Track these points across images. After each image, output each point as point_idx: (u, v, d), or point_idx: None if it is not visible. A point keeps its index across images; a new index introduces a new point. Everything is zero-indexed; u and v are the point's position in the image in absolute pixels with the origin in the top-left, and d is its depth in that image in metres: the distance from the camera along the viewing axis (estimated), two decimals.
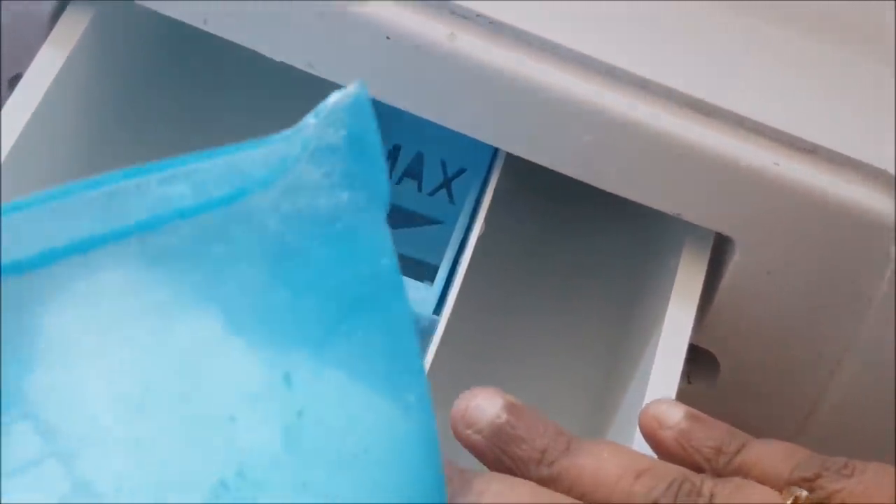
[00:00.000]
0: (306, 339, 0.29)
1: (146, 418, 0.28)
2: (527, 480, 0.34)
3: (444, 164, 0.50)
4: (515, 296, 0.51)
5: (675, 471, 0.34)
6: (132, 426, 0.27)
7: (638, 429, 0.37)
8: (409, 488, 0.30)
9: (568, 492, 0.33)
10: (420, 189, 0.50)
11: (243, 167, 0.30)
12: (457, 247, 0.45)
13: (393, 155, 0.50)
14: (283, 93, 0.45)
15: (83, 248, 0.28)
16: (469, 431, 0.35)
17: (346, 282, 0.30)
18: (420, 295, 0.43)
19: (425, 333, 0.43)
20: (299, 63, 0.42)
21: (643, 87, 0.41)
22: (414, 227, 0.49)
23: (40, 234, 0.28)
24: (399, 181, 0.50)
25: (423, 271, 0.46)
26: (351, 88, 0.30)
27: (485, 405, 0.35)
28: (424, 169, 0.50)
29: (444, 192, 0.50)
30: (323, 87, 0.33)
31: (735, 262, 0.43)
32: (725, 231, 0.43)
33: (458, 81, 0.41)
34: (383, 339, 0.30)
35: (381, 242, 0.31)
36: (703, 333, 0.45)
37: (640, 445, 0.37)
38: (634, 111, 0.40)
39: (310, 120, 0.30)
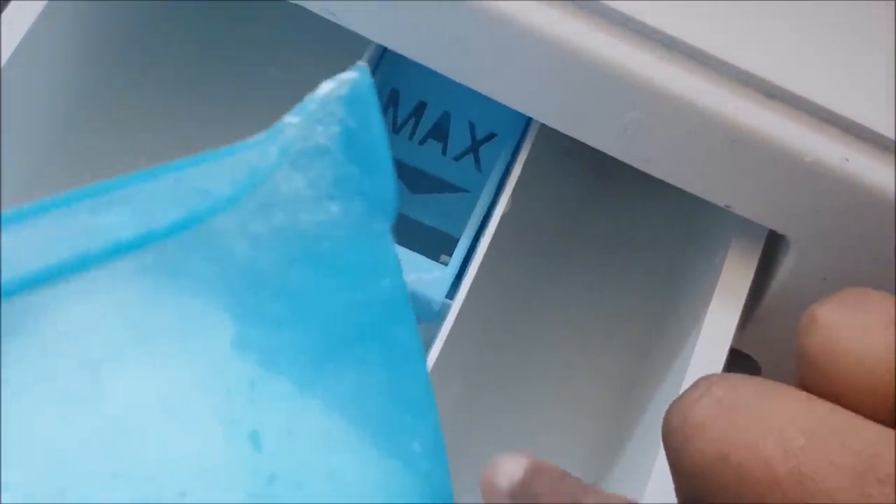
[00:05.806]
0: (282, 386, 0.24)
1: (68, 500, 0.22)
2: None
3: (472, 127, 0.45)
4: (540, 281, 0.47)
5: None
6: None
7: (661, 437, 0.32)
8: None
9: None
10: (445, 152, 0.45)
11: (200, 184, 0.24)
12: (479, 221, 0.41)
13: (417, 112, 0.46)
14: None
15: None
16: None
17: (337, 311, 0.25)
18: (433, 276, 0.39)
19: (436, 319, 0.39)
20: (318, 9, 0.38)
21: (701, 61, 0.36)
22: (436, 194, 0.45)
23: None
24: (422, 142, 0.45)
25: (444, 243, 0.42)
26: (348, 74, 0.25)
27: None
28: (451, 130, 0.45)
29: (470, 157, 0.45)
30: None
31: (788, 264, 0.39)
32: (780, 229, 0.38)
33: (491, 42, 0.36)
34: (382, 378, 0.26)
35: (383, 261, 0.26)
36: (744, 337, 0.41)
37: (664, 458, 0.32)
38: (689, 88, 0.36)
39: (290, 119, 0.25)
